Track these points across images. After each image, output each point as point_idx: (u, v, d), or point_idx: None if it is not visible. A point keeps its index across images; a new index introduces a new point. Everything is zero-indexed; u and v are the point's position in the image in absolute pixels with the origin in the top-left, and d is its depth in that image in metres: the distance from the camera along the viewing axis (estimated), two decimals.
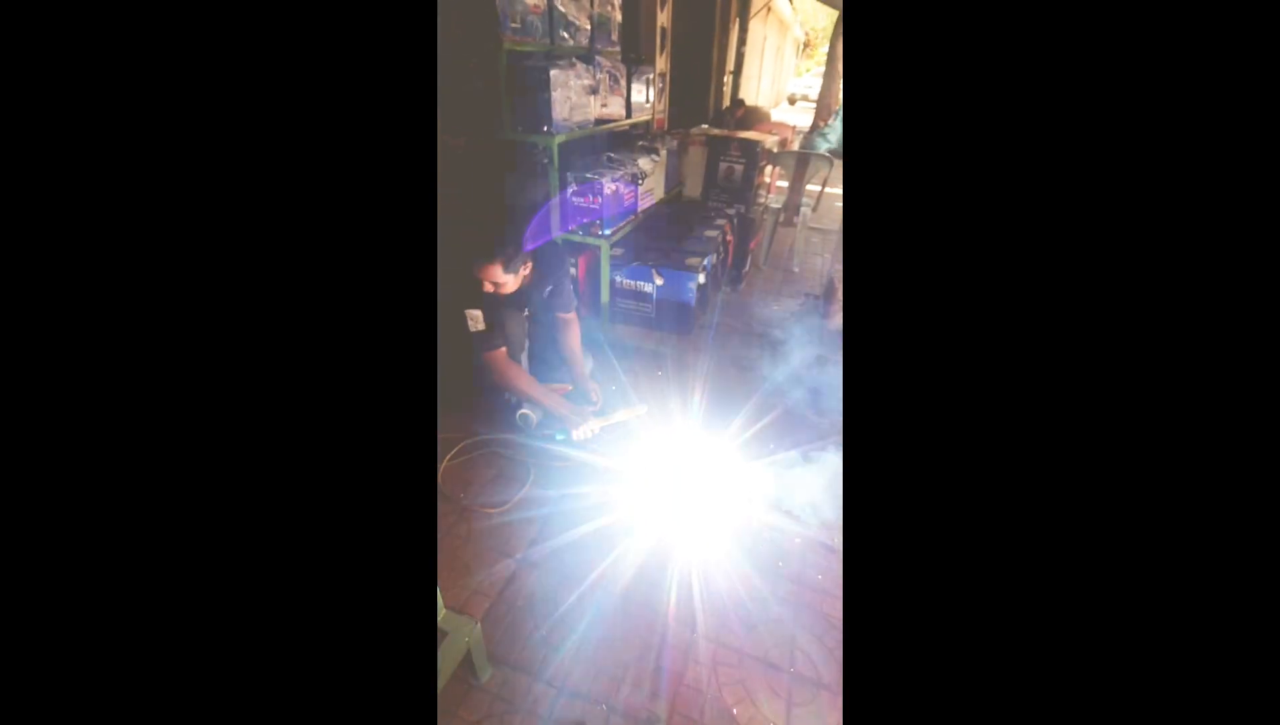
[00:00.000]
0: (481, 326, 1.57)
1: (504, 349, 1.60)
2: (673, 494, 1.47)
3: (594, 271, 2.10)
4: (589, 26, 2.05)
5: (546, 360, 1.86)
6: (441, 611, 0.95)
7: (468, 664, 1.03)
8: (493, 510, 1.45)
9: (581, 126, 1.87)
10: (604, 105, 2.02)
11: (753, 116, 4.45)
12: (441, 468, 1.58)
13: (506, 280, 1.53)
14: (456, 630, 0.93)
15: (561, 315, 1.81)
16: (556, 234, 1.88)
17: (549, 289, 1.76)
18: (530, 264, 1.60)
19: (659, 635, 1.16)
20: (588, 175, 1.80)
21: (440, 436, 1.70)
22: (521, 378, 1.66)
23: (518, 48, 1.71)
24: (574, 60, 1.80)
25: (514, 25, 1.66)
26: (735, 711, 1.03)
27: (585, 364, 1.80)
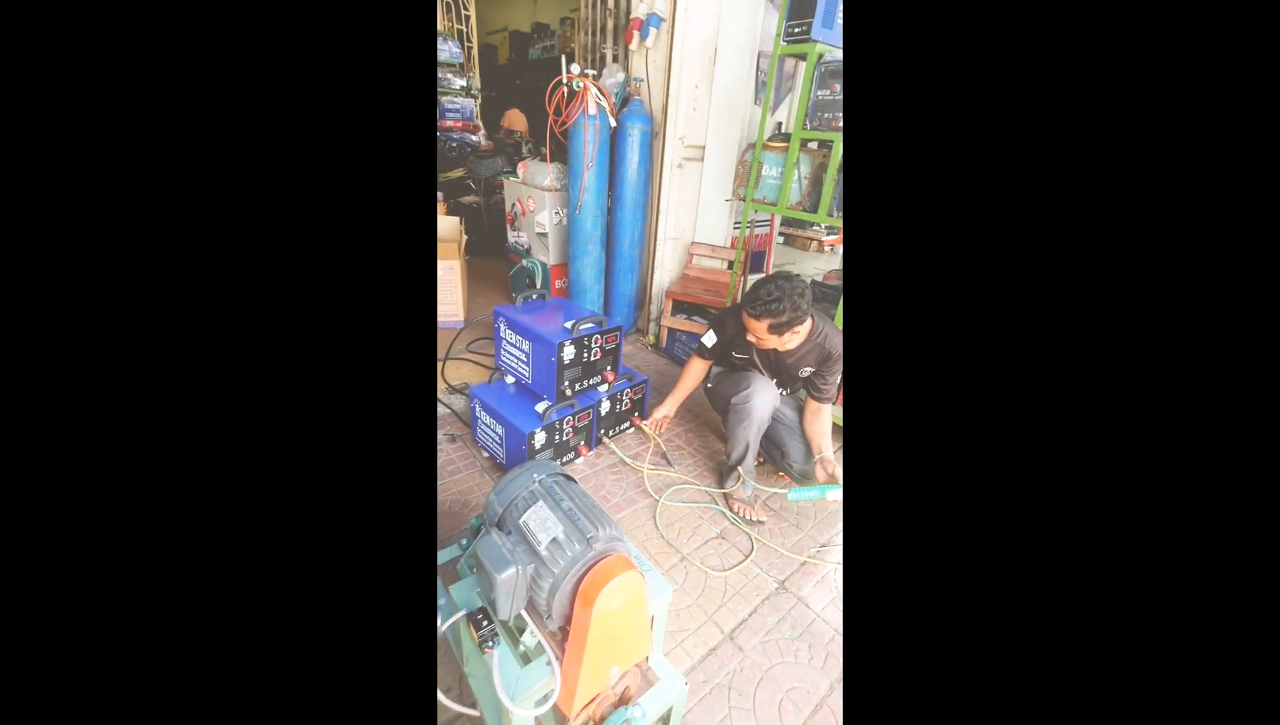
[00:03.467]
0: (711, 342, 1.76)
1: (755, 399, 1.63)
2: None
3: None
4: None
5: (783, 438, 1.80)
6: (658, 654, 0.97)
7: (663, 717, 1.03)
8: (710, 571, 1.45)
9: None
10: None
11: None
12: (661, 504, 1.66)
13: (768, 338, 1.52)
14: (668, 679, 0.94)
15: (814, 401, 1.72)
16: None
17: (808, 372, 1.69)
18: (809, 330, 1.56)
19: None
20: None
21: (664, 474, 1.80)
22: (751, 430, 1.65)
23: None
24: None
25: None
26: None
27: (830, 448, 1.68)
